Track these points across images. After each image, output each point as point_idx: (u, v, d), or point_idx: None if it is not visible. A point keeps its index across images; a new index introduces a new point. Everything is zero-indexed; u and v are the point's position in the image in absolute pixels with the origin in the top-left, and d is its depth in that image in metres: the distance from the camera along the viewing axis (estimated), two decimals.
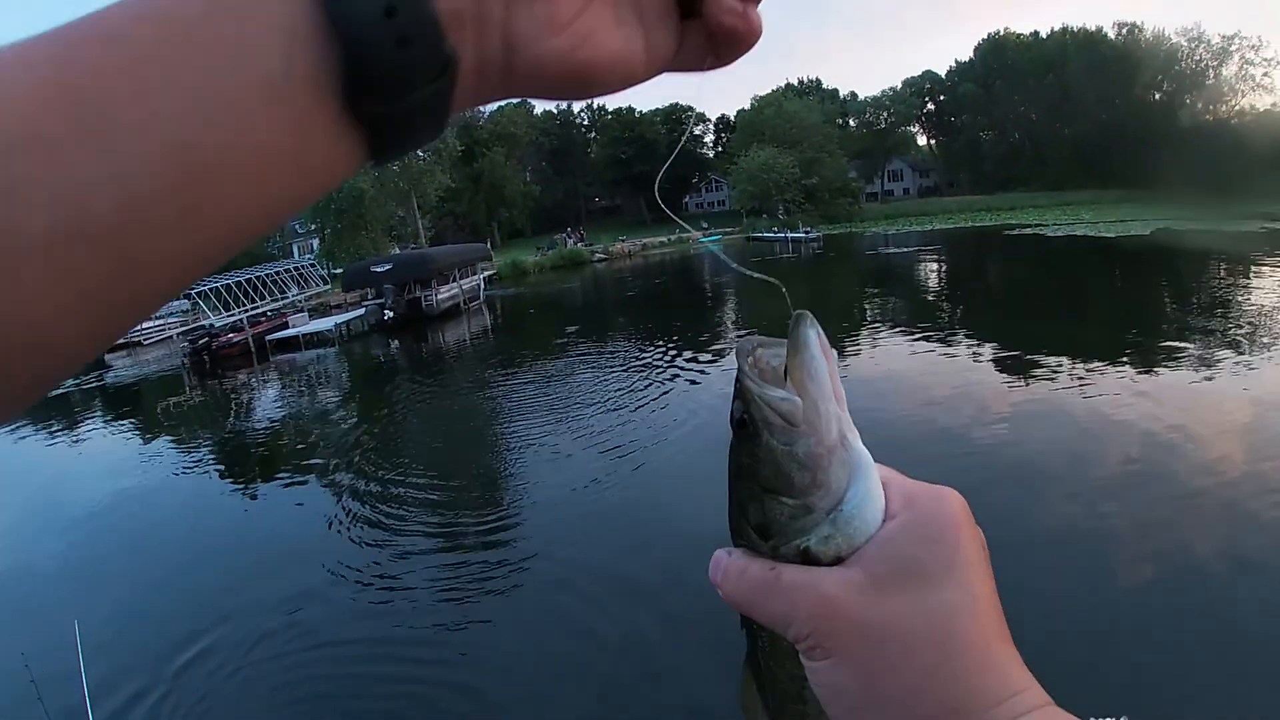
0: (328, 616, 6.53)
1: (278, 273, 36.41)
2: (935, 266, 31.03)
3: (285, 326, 29.54)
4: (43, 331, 0.24)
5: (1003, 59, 66.63)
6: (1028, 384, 10.29)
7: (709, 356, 14.90)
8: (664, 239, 59.63)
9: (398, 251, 43.65)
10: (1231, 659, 4.27)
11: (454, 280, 32.88)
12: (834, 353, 0.38)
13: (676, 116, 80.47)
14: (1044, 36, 66.42)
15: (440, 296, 31.01)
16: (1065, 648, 4.52)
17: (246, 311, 30.87)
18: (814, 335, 0.36)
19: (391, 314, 29.95)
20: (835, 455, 0.37)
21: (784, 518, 0.38)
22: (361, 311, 30.52)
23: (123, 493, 11.32)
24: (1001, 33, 69.21)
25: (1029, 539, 5.90)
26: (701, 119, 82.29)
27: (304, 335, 26.77)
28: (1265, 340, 11.45)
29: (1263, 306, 14.53)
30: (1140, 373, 10.14)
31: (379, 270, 30.34)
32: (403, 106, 0.28)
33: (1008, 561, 5.38)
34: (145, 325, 36.58)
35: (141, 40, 0.25)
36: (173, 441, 14.62)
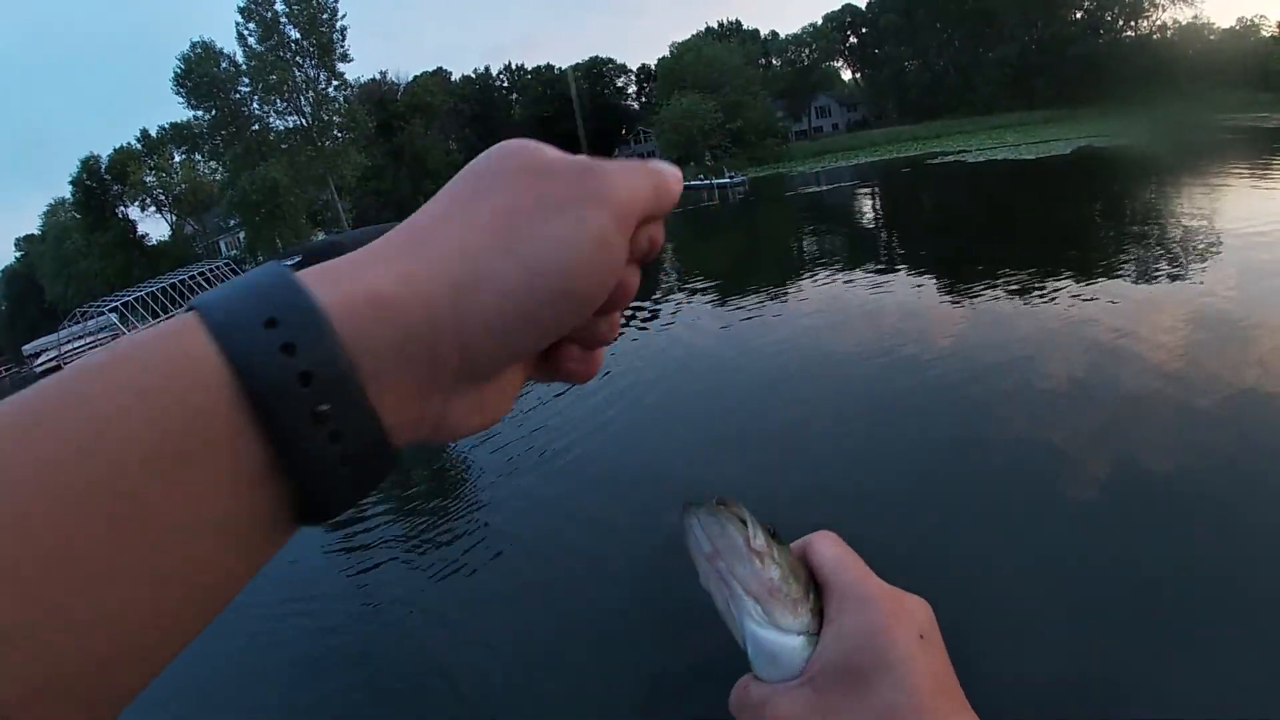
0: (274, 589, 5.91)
1: (192, 276, 35.13)
2: (855, 202, 30.51)
3: None
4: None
5: None
6: (965, 307, 9.93)
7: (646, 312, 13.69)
8: None
9: (322, 237, 42.41)
10: (1184, 554, 4.13)
11: None
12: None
13: (597, 70, 78.89)
14: None
15: None
16: (1021, 551, 4.40)
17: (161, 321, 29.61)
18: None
19: None
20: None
21: None
22: None
23: None
24: None
25: (984, 452, 5.75)
26: (622, 70, 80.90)
27: None
28: (1190, 243, 11.42)
29: (1176, 213, 14.61)
30: (1075, 284, 9.90)
31: (287, 264, 29.23)
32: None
33: (964, 476, 5.31)
34: (72, 345, 35.00)
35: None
36: None
